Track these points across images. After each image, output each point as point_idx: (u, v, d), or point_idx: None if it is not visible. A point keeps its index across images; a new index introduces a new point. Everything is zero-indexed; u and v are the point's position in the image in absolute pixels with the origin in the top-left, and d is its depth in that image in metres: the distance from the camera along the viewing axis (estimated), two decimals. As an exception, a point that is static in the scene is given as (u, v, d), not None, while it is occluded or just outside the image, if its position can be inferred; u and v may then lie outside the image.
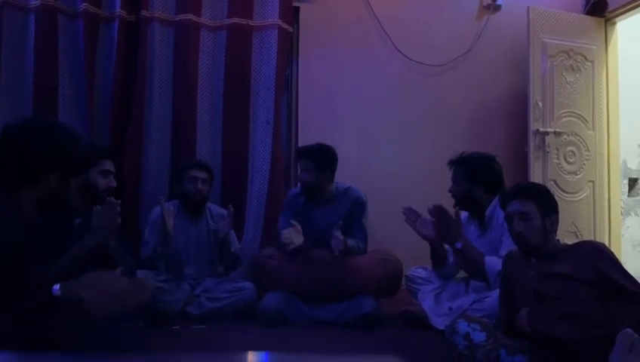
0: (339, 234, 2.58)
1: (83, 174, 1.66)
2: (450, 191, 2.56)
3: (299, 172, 2.82)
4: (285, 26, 3.37)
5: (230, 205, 2.80)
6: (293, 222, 2.66)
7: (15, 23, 3.11)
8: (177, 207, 2.86)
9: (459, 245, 2.38)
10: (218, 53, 3.35)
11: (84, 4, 3.13)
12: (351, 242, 2.65)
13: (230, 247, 2.80)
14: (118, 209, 1.95)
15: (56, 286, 1.24)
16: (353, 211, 2.76)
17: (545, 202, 1.90)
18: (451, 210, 2.49)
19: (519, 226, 1.87)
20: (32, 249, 1.36)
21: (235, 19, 3.33)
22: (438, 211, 2.41)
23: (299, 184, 2.87)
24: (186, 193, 2.81)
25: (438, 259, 2.58)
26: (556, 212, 1.91)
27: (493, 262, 2.30)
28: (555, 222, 1.90)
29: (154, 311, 2.50)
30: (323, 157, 2.73)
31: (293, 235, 2.60)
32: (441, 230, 2.43)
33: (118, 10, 3.18)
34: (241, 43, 3.34)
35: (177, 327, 2.46)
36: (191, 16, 3.27)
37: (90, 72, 3.15)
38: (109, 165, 2.23)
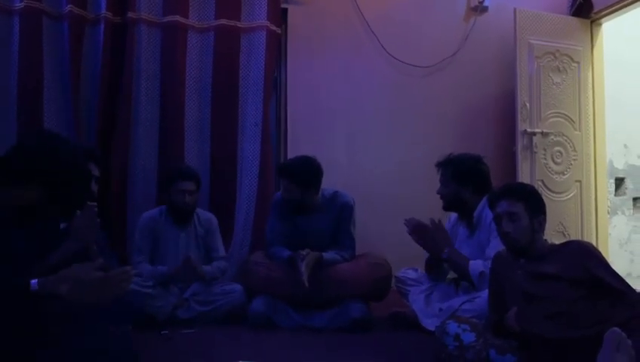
0: (304, 264, 2.48)
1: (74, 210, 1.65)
2: (438, 193, 2.57)
3: (281, 189, 2.71)
4: (273, 28, 3.36)
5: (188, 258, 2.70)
6: (300, 264, 2.50)
7: (-1, 25, 3.07)
8: (165, 213, 2.85)
9: (445, 255, 2.43)
10: (206, 55, 3.33)
11: (69, 6, 3.10)
12: (328, 255, 2.62)
13: (205, 277, 2.75)
14: (95, 210, 1.94)
15: (34, 281, 1.23)
16: (340, 217, 2.72)
17: (533, 202, 1.91)
18: (441, 212, 2.51)
19: (507, 227, 1.88)
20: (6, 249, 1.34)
21: (223, 21, 3.31)
22: (415, 227, 2.45)
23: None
24: (174, 205, 2.79)
25: (434, 265, 2.60)
26: (544, 212, 1.92)
27: (476, 265, 2.35)
28: (543, 222, 1.91)
29: (142, 316, 2.49)
30: (306, 178, 2.60)
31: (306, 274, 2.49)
32: (424, 243, 2.49)
33: (103, 11, 3.15)
34: (229, 45, 3.32)
35: (166, 332, 2.44)
36: (178, 18, 3.25)
37: (75, 75, 3.11)
38: (94, 169, 2.20)
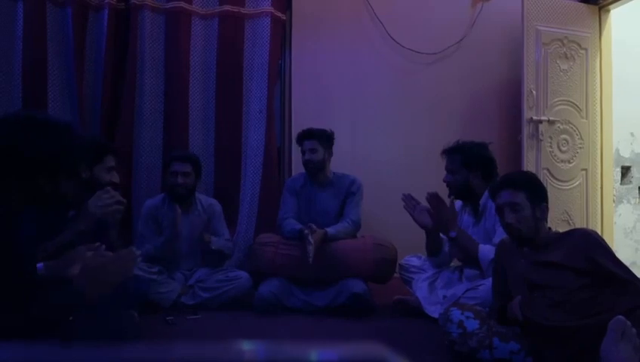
0: (311, 240, 2.56)
1: (77, 174, 1.62)
2: (445, 181, 2.55)
3: (303, 155, 2.90)
4: (278, 14, 3.33)
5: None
6: (309, 236, 2.59)
7: (3, 12, 3.06)
8: (167, 200, 2.85)
9: (453, 234, 2.38)
10: (210, 41, 3.31)
11: (72, -8, 3.08)
12: (332, 230, 2.71)
13: (210, 246, 2.77)
14: (117, 193, 1.96)
15: (40, 265, 1.22)
16: (348, 191, 2.90)
17: (534, 191, 1.89)
18: (445, 200, 2.49)
19: (510, 218, 1.87)
20: (16, 236, 1.33)
21: (227, 7, 3.29)
22: (434, 199, 2.41)
23: (300, 170, 2.96)
24: (169, 187, 2.82)
25: (433, 247, 2.58)
26: (546, 200, 1.91)
27: (487, 251, 2.31)
28: (545, 210, 1.89)
29: (147, 303, 2.51)
30: (326, 135, 2.91)
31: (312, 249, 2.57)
32: (436, 218, 2.43)
33: (107, -3, 3.13)
34: (233, 31, 3.30)
35: (171, 318, 2.46)
36: (182, 4, 3.23)
37: (79, 62, 3.10)
38: (112, 161, 2.26)
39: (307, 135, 2.93)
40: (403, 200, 2.55)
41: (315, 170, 2.90)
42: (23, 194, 1.34)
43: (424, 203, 2.49)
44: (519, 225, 1.85)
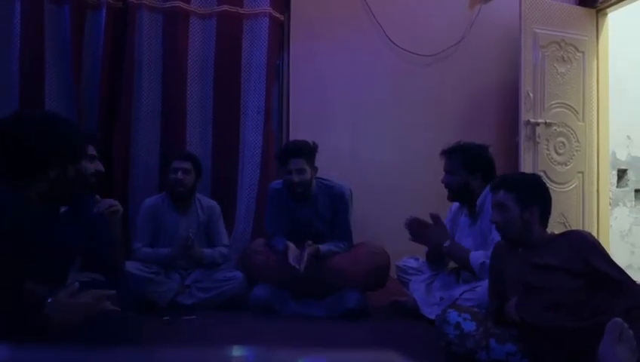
0: (306, 253, 2.50)
1: (79, 162, 1.64)
2: (443, 182, 2.55)
3: (290, 173, 2.63)
4: (276, 14, 3.33)
5: (190, 233, 2.69)
6: (290, 245, 2.54)
7: (0, 10, 3.05)
8: (166, 198, 2.85)
9: (445, 249, 2.43)
10: (208, 41, 3.31)
11: (70, -10, 3.07)
12: (325, 248, 2.62)
13: (204, 260, 2.77)
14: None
15: (50, 299, 1.32)
16: (337, 207, 2.73)
17: (526, 193, 1.89)
18: (441, 201, 2.51)
19: (495, 217, 1.91)
20: (39, 235, 1.40)
21: (225, 7, 3.29)
22: (413, 224, 2.44)
23: (284, 180, 2.74)
24: (169, 184, 2.82)
25: (435, 259, 2.60)
26: (541, 203, 1.89)
27: (477, 256, 2.34)
28: (537, 213, 1.87)
29: (144, 302, 2.50)
30: (312, 152, 2.67)
31: (298, 259, 2.51)
32: (423, 240, 2.49)
33: (105, -4, 3.13)
34: (231, 31, 3.30)
35: (167, 318, 2.45)
36: (180, 3, 3.22)
37: (77, 61, 3.10)
38: (93, 150, 2.23)
39: (294, 153, 2.62)
40: (407, 227, 2.50)
41: (302, 190, 2.65)
42: (38, 189, 1.43)
43: (420, 212, 2.51)
44: (504, 225, 1.89)
